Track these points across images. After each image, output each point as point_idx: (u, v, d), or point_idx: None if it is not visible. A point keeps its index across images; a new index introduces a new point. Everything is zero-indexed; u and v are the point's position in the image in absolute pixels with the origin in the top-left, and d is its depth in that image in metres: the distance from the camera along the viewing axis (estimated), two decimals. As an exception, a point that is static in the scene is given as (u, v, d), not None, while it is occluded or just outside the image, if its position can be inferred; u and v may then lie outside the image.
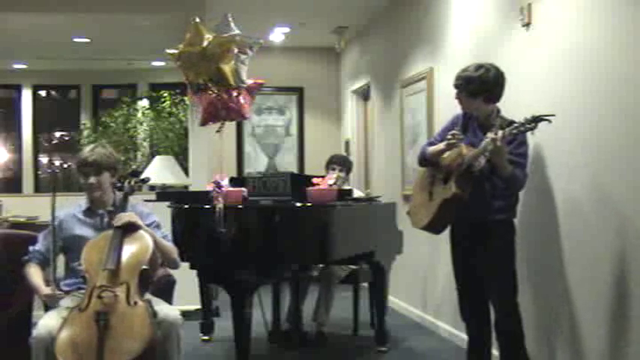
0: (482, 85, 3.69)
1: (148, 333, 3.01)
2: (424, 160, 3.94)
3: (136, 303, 3.10)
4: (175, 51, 3.93)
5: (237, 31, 3.90)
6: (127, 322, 3.02)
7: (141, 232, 3.36)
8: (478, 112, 3.77)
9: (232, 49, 3.85)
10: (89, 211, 3.58)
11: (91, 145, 3.61)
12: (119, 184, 3.52)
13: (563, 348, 3.71)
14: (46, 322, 3.15)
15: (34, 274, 3.42)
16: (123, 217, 3.36)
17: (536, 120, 3.38)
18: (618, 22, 3.22)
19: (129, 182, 3.53)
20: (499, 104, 3.81)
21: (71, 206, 3.61)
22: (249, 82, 4.11)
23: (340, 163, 5.56)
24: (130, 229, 3.34)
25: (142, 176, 3.63)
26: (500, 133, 3.47)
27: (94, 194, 3.52)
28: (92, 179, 3.48)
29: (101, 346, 2.93)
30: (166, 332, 3.20)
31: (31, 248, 3.51)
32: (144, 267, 3.26)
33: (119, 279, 3.16)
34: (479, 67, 3.74)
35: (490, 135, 3.51)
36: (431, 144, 4.02)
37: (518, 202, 3.75)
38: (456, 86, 3.77)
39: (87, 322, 3.02)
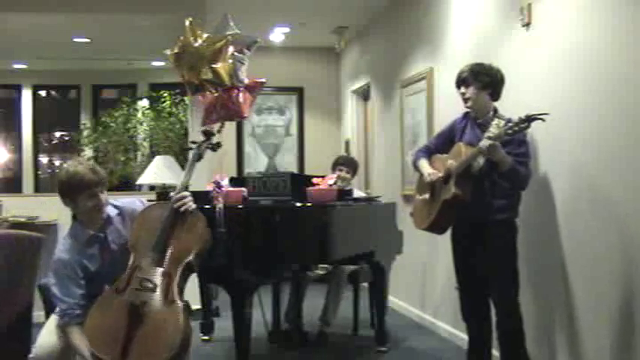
0: (492, 78, 3.75)
1: (178, 339, 2.86)
2: (414, 167, 4.05)
3: (173, 302, 2.96)
4: (171, 51, 3.93)
5: (237, 31, 3.90)
6: (159, 324, 2.90)
7: (194, 219, 3.22)
8: (480, 108, 3.78)
9: (226, 48, 3.85)
10: (91, 239, 3.22)
11: (75, 164, 3.20)
12: (190, 147, 3.43)
13: (563, 348, 3.71)
14: (45, 341, 3.08)
15: (81, 341, 3.02)
16: (185, 200, 3.21)
17: (530, 119, 3.39)
18: (618, 22, 3.22)
19: (199, 146, 3.50)
20: (497, 104, 3.83)
21: (65, 247, 3.20)
22: (248, 81, 4.11)
23: (347, 164, 5.61)
24: (185, 213, 3.19)
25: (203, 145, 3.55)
26: (496, 131, 3.49)
27: (102, 214, 3.21)
28: (102, 196, 3.18)
29: (127, 342, 2.84)
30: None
31: (63, 306, 3.11)
32: (191, 258, 3.12)
33: (163, 266, 3.05)
34: (481, 63, 3.82)
35: (487, 135, 3.53)
36: (427, 148, 4.07)
37: (520, 201, 3.76)
38: (464, 79, 3.77)
39: (119, 309, 2.93)
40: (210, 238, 3.27)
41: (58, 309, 3.13)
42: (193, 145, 3.57)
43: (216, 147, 3.61)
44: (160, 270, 3.04)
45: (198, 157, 3.51)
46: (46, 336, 3.10)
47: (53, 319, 3.18)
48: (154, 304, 2.94)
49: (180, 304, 2.96)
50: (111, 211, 3.25)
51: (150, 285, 2.97)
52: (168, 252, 3.08)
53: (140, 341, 2.85)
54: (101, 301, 3.01)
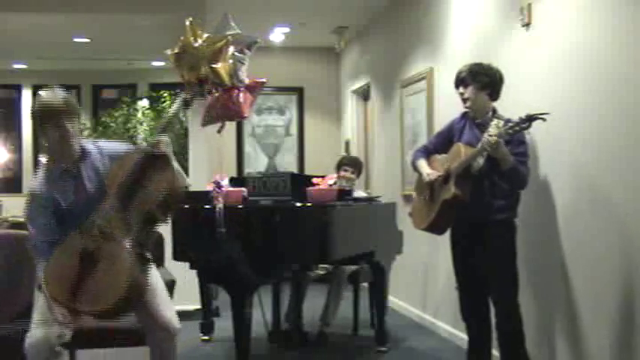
0: (491, 78, 3.75)
1: (125, 286, 2.82)
2: (413, 167, 4.04)
3: (125, 250, 2.87)
4: (171, 51, 3.93)
5: (237, 31, 3.90)
6: (108, 271, 2.84)
7: (165, 166, 3.02)
8: (479, 108, 3.78)
9: (226, 48, 3.85)
10: (63, 173, 3.13)
11: (48, 93, 3.15)
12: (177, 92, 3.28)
13: (563, 348, 3.71)
14: (41, 332, 2.97)
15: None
16: (160, 144, 3.04)
17: (531, 119, 3.39)
18: (618, 22, 3.22)
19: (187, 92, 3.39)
20: (497, 104, 3.83)
21: (38, 180, 3.15)
22: (249, 81, 4.11)
23: (352, 164, 5.60)
24: (158, 158, 3.02)
25: None
26: (495, 131, 3.49)
27: (72, 143, 3.08)
28: (70, 127, 3.06)
29: (77, 287, 2.83)
30: (164, 341, 3.14)
31: (32, 241, 3.12)
32: (152, 208, 2.98)
33: (124, 213, 2.94)
34: (480, 63, 3.82)
35: (486, 135, 3.53)
36: (425, 148, 4.08)
37: (519, 201, 3.76)
38: (463, 79, 3.77)
39: (74, 253, 2.90)
40: (181, 193, 3.12)
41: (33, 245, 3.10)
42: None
43: (206, 93, 3.49)
44: (119, 216, 2.93)
45: (186, 102, 3.38)
46: (39, 328, 3.00)
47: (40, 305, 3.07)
48: (107, 250, 2.86)
49: (131, 253, 2.87)
50: (89, 146, 3.18)
51: (107, 231, 2.89)
52: (132, 199, 2.95)
53: (88, 287, 2.82)
54: (65, 242, 2.95)
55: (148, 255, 3.05)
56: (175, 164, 3.11)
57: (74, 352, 3.68)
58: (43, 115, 3.03)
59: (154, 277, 3.24)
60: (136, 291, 2.88)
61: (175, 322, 3.19)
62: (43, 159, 3.23)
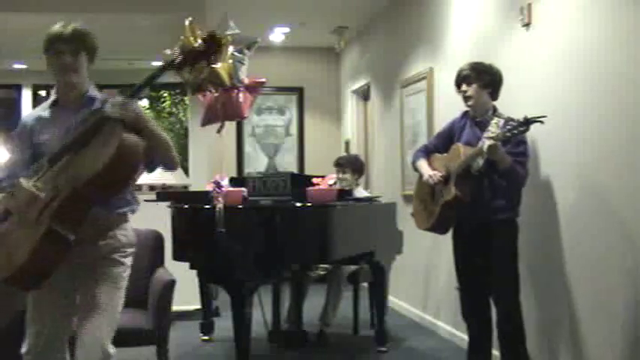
0: (492, 77, 3.76)
1: (21, 261, 2.49)
2: (414, 167, 4.05)
3: (40, 226, 2.50)
4: (170, 52, 3.93)
5: (237, 31, 3.90)
6: (16, 241, 2.54)
7: (111, 134, 2.53)
8: (480, 106, 3.78)
9: (226, 48, 3.85)
10: (57, 107, 2.84)
11: (62, 23, 2.86)
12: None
13: (564, 348, 3.71)
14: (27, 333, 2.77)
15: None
16: (127, 109, 2.57)
17: (529, 122, 3.40)
18: (618, 22, 3.22)
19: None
20: (497, 103, 3.83)
21: (36, 109, 2.94)
22: (248, 81, 4.12)
23: (344, 165, 5.48)
24: (107, 121, 2.56)
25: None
26: (495, 130, 3.49)
27: (69, 78, 2.77)
28: (68, 58, 2.75)
29: None
30: None
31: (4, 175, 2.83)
32: (78, 185, 2.51)
33: (54, 181, 2.56)
34: (481, 62, 3.83)
35: (487, 135, 3.53)
36: (426, 148, 4.08)
37: (521, 201, 3.76)
38: (466, 77, 3.76)
39: (2, 208, 2.66)
40: (132, 173, 2.61)
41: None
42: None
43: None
44: (49, 177, 2.59)
45: (173, 64, 2.83)
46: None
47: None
48: (25, 218, 2.55)
49: (45, 230, 2.48)
50: (96, 94, 2.83)
51: (38, 195, 2.54)
52: (66, 167, 2.57)
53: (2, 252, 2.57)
54: (9, 187, 2.68)
55: (69, 236, 2.54)
56: (165, 146, 2.76)
57: (74, 352, 3.68)
58: (47, 40, 2.78)
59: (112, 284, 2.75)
60: (33, 271, 2.53)
61: (107, 345, 2.69)
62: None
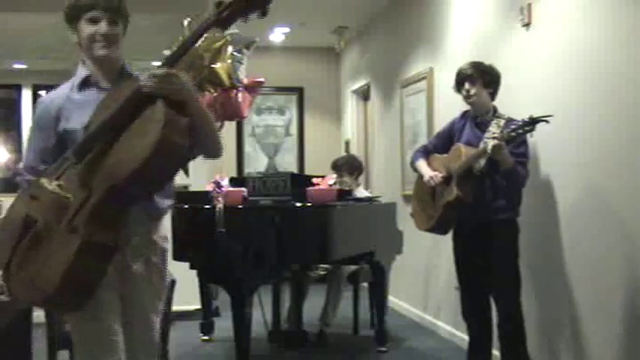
0: (493, 77, 3.76)
1: (58, 279, 2.06)
2: (413, 167, 4.06)
3: (74, 231, 2.08)
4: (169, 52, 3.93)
5: (236, 31, 3.91)
6: (48, 253, 2.13)
7: (153, 116, 2.06)
8: (482, 106, 3.78)
9: (225, 48, 3.85)
10: (88, 87, 2.36)
11: None
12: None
13: (564, 348, 3.71)
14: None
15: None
16: (170, 81, 2.11)
17: (534, 121, 3.39)
18: (618, 22, 3.22)
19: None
20: (497, 103, 3.83)
21: (60, 89, 2.43)
22: (247, 81, 4.12)
23: (338, 167, 5.43)
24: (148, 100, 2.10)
25: None
26: (496, 130, 3.49)
27: (107, 51, 2.31)
28: (107, 27, 2.30)
29: (13, 257, 2.19)
30: None
31: (20, 165, 2.48)
32: (115, 183, 2.07)
33: (84, 178, 2.14)
34: (481, 62, 3.83)
35: (489, 135, 3.53)
36: (425, 148, 4.08)
37: (521, 201, 3.76)
38: (469, 76, 3.76)
39: (19, 213, 2.24)
40: (179, 160, 2.19)
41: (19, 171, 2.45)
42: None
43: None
44: (79, 181, 2.15)
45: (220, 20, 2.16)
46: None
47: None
48: (53, 227, 2.14)
49: (82, 238, 2.07)
50: (134, 71, 2.40)
51: (65, 198, 2.13)
52: (98, 160, 2.12)
53: (22, 264, 2.17)
54: (28, 187, 2.31)
55: (110, 243, 2.14)
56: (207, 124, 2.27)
57: (74, 352, 3.68)
58: (76, 7, 2.32)
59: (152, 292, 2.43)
60: (72, 287, 2.10)
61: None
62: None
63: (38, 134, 2.38)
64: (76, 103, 2.32)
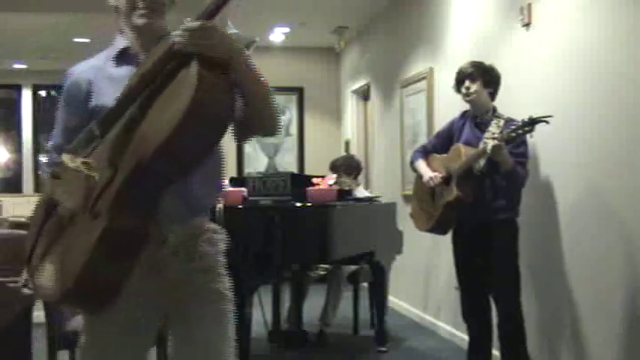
0: (493, 77, 3.77)
1: (77, 271, 1.72)
2: (412, 167, 4.06)
3: (97, 217, 1.73)
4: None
5: (235, 31, 3.90)
6: (70, 241, 1.80)
7: (187, 80, 1.68)
8: (481, 105, 3.78)
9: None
10: (126, 59, 2.01)
11: None
12: None
13: (565, 349, 3.71)
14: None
15: None
16: (205, 36, 1.73)
17: (534, 122, 3.39)
18: (618, 22, 3.22)
19: None
20: (496, 103, 3.83)
21: (92, 59, 2.09)
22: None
23: (335, 168, 5.42)
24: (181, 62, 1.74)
25: None
26: (496, 131, 3.49)
27: (146, 20, 2.01)
28: (156, 18, 2.02)
29: (37, 241, 1.91)
30: None
31: (49, 144, 2.13)
32: (145, 160, 1.70)
33: (110, 154, 1.78)
34: (481, 62, 3.83)
35: (488, 135, 3.53)
36: (424, 148, 4.08)
37: (521, 201, 3.76)
38: (470, 74, 3.75)
39: (45, 196, 1.97)
40: (218, 131, 1.79)
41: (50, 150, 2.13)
42: None
43: None
44: (106, 158, 1.79)
45: None
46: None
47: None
48: (77, 210, 1.80)
49: (104, 224, 1.71)
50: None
51: (90, 176, 1.79)
52: (124, 133, 1.78)
53: (44, 255, 1.88)
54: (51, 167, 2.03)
55: (138, 231, 1.77)
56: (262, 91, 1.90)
57: (74, 352, 3.68)
58: None
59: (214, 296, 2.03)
60: (100, 282, 1.77)
61: None
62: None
63: (66, 111, 2.03)
64: (110, 78, 1.96)
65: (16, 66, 10.06)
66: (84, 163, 1.81)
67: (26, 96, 10.73)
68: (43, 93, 11.17)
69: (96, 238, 1.71)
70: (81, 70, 2.03)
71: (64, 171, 1.90)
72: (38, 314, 3.52)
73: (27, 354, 3.44)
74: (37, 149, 10.93)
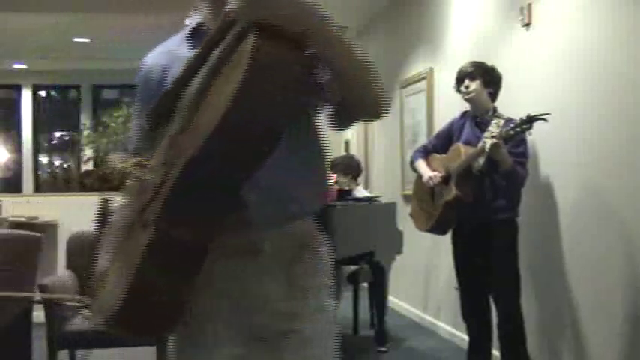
0: (493, 77, 3.77)
1: (119, 293, 1.39)
2: (412, 168, 4.06)
3: (145, 228, 1.39)
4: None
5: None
6: (118, 256, 1.49)
7: (244, 53, 1.32)
8: (481, 105, 3.77)
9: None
10: (201, 35, 1.56)
11: None
12: None
13: (565, 349, 3.71)
14: None
15: None
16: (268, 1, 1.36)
17: (532, 120, 3.39)
18: (618, 22, 3.22)
19: None
20: (496, 103, 3.83)
21: (165, 43, 1.71)
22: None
23: (336, 166, 5.37)
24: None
25: None
26: (496, 130, 3.49)
27: None
28: None
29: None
30: None
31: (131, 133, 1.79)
32: (192, 154, 1.32)
33: (167, 151, 1.42)
34: (482, 62, 3.84)
35: (488, 135, 3.53)
36: (424, 148, 4.08)
37: (521, 201, 3.76)
38: (470, 73, 3.75)
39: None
40: (285, 111, 1.37)
41: None
42: None
43: None
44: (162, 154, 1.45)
45: None
46: None
47: None
48: (129, 218, 1.48)
49: (152, 232, 1.36)
50: None
51: (141, 180, 1.48)
52: (181, 123, 1.42)
53: (104, 271, 1.54)
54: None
55: (191, 241, 1.41)
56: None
57: (74, 352, 3.68)
58: None
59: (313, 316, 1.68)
60: (149, 303, 1.41)
61: None
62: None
63: (140, 108, 1.66)
64: (181, 58, 1.53)
65: (16, 66, 10.06)
66: (138, 163, 1.50)
67: (26, 96, 10.74)
68: (43, 93, 11.18)
69: (142, 249, 1.38)
70: (152, 58, 1.69)
71: (112, 173, 1.70)
72: (38, 314, 3.53)
73: (27, 354, 3.44)
74: (37, 149, 10.95)
